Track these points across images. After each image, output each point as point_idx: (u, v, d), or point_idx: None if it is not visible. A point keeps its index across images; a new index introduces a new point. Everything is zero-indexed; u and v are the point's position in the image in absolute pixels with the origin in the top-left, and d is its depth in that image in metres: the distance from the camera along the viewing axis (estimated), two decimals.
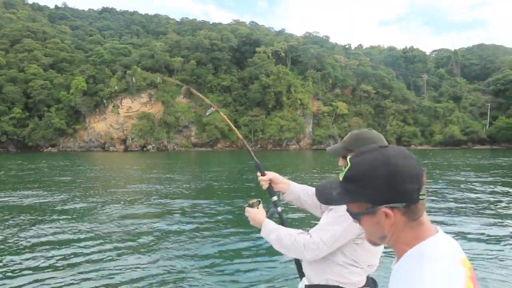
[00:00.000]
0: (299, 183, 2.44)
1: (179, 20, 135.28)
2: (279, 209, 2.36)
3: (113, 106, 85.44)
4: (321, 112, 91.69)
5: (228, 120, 2.96)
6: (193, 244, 7.78)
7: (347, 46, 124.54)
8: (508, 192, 14.34)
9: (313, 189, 2.35)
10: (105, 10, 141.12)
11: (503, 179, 19.10)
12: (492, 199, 13.01)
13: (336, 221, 1.95)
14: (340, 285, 2.01)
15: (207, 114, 3.12)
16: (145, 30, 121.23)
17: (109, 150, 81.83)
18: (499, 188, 15.31)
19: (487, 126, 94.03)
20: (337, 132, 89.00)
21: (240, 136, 2.90)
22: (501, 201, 12.38)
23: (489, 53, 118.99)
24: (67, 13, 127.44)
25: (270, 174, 2.41)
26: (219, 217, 10.26)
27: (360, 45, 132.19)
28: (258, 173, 2.43)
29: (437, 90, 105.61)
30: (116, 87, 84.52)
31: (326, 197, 1.12)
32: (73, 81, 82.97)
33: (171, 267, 6.50)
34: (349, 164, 1.07)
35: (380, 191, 0.99)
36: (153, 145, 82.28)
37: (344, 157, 2.06)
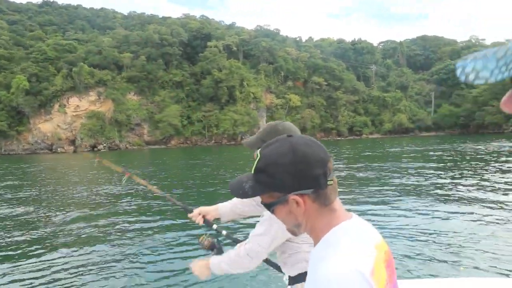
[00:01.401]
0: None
1: (126, 14, 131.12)
2: (224, 232, 2.52)
3: (60, 106, 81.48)
4: (274, 105, 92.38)
5: (142, 181, 2.99)
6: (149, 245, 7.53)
7: (298, 39, 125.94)
8: (452, 175, 14.95)
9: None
10: (45, 3, 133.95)
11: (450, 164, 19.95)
12: (436, 181, 13.60)
13: (267, 224, 2.04)
14: None
15: (123, 182, 3.13)
16: (91, 25, 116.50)
17: (57, 151, 78.25)
18: (444, 172, 15.94)
19: (432, 114, 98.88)
20: None
21: (158, 191, 3.04)
22: (444, 183, 12.89)
23: (431, 44, 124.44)
24: (2, 6, 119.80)
25: (197, 210, 2.54)
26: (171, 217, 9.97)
27: (311, 37, 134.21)
28: (188, 214, 2.57)
29: (385, 80, 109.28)
30: (61, 86, 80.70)
31: (239, 191, 1.13)
32: (13, 80, 78.33)
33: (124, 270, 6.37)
34: (259, 155, 1.09)
35: (287, 179, 1.02)
36: (104, 144, 79.56)
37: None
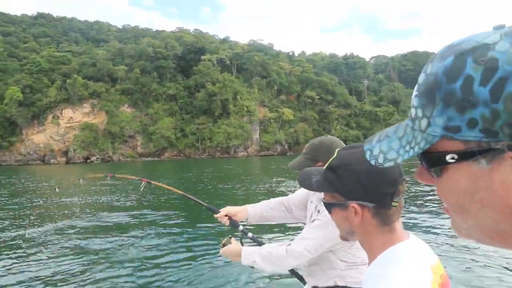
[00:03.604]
0: (254, 197, 2.41)
1: (121, 27, 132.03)
2: (250, 234, 2.43)
3: (53, 117, 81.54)
4: (267, 119, 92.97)
5: (164, 186, 3.04)
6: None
7: (291, 53, 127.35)
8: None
9: (273, 201, 2.50)
10: (40, 15, 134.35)
11: None
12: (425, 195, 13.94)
13: (317, 229, 1.98)
14: (348, 285, 2.01)
15: (141, 189, 3.09)
16: (85, 38, 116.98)
17: (49, 162, 77.94)
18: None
19: None
20: (283, 137, 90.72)
21: (179, 192, 2.88)
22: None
23: (422, 59, 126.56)
24: None
25: (224, 210, 2.46)
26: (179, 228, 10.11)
27: (303, 52, 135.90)
28: (214, 215, 2.49)
29: (377, 95, 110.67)
30: (55, 97, 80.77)
31: (305, 182, 1.16)
32: (7, 91, 78.27)
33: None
34: (335, 154, 1.11)
35: (355, 186, 1.03)
36: (97, 156, 79.44)
37: None
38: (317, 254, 1.99)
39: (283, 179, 25.17)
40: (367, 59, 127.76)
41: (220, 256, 2.44)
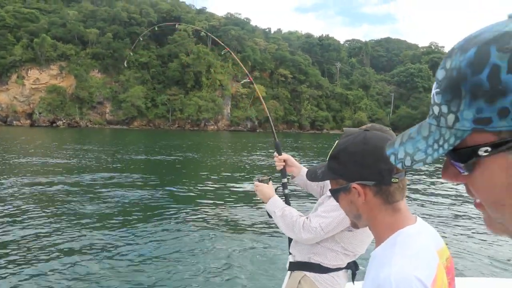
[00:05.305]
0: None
1: None
2: (287, 190, 2.47)
3: (18, 77, 78.34)
4: (239, 94, 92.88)
5: (259, 93, 3.21)
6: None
7: (267, 30, 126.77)
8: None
9: None
10: None
11: None
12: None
13: (335, 208, 2.00)
14: (322, 264, 2.11)
15: (241, 82, 3.28)
16: None
17: (12, 124, 75.38)
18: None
19: (391, 114, 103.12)
20: (254, 114, 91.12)
21: (267, 113, 3.05)
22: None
23: (394, 46, 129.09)
24: None
25: (286, 156, 2.49)
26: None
27: (279, 29, 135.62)
28: (275, 153, 2.52)
29: (349, 78, 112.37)
30: (21, 56, 77.53)
31: (312, 175, 1.22)
32: None
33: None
34: (335, 144, 1.15)
35: (353, 168, 1.06)
36: (64, 120, 77.47)
37: None
38: (329, 234, 2.04)
39: (253, 154, 25.80)
40: (341, 42, 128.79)
41: None
